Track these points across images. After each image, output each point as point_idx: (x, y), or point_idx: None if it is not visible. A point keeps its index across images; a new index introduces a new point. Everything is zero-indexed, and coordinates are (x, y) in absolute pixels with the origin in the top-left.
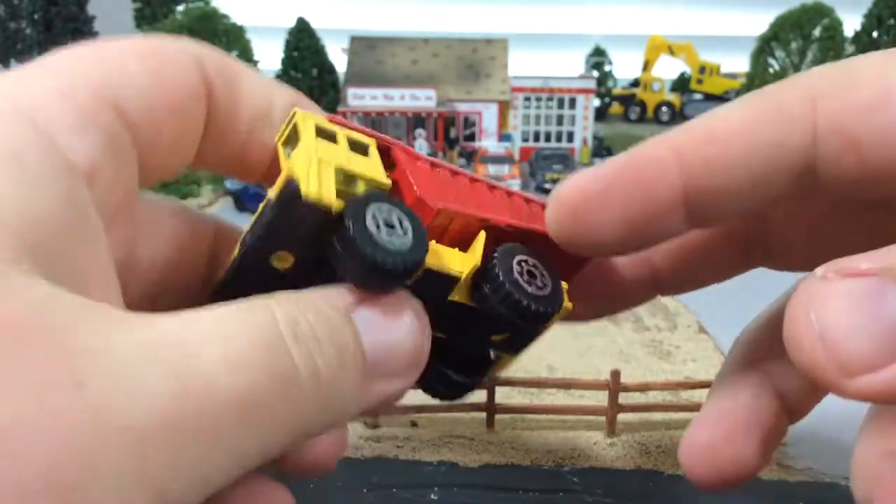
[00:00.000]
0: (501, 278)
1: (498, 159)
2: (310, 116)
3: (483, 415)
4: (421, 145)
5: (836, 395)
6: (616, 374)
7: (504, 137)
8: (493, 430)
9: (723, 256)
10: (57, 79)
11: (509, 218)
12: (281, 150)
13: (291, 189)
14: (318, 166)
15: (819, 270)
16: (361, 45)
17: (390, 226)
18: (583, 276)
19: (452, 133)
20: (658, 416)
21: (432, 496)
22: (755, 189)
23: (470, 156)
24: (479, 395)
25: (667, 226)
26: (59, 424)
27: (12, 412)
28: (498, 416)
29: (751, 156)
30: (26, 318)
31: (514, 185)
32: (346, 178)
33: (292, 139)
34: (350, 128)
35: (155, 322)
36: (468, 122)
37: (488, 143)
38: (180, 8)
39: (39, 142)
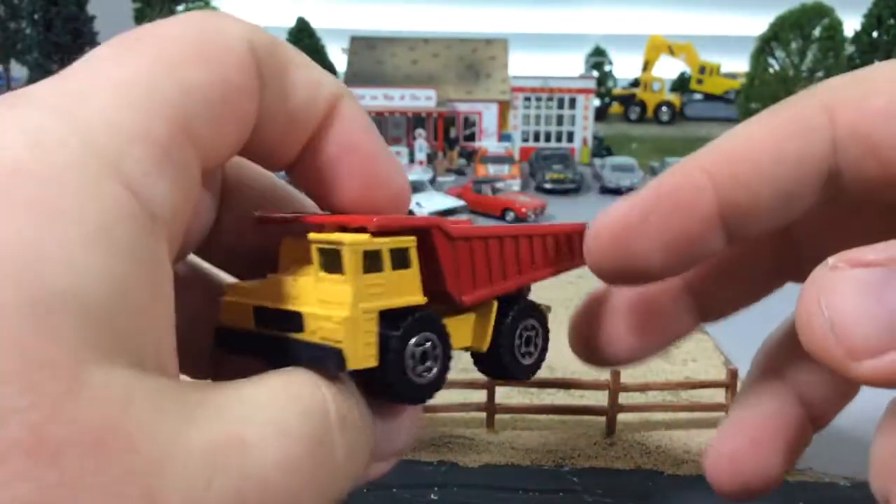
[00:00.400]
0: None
1: (498, 159)
2: (357, 246)
3: (483, 415)
4: (421, 145)
5: (845, 377)
6: (616, 374)
7: (504, 137)
8: (493, 430)
9: (757, 275)
10: (129, 104)
11: (521, 280)
12: (315, 255)
13: (336, 359)
14: (362, 326)
15: (830, 260)
16: (361, 45)
17: (423, 355)
18: (631, 316)
19: (452, 133)
20: (658, 416)
21: (432, 496)
22: (785, 200)
23: (470, 156)
24: (479, 395)
25: (706, 246)
26: None
27: None
28: (498, 416)
29: (778, 169)
30: (104, 427)
31: (514, 184)
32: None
33: (331, 260)
34: (391, 226)
35: (218, 408)
36: (468, 122)
37: (488, 143)
38: (180, 8)
39: (126, 204)
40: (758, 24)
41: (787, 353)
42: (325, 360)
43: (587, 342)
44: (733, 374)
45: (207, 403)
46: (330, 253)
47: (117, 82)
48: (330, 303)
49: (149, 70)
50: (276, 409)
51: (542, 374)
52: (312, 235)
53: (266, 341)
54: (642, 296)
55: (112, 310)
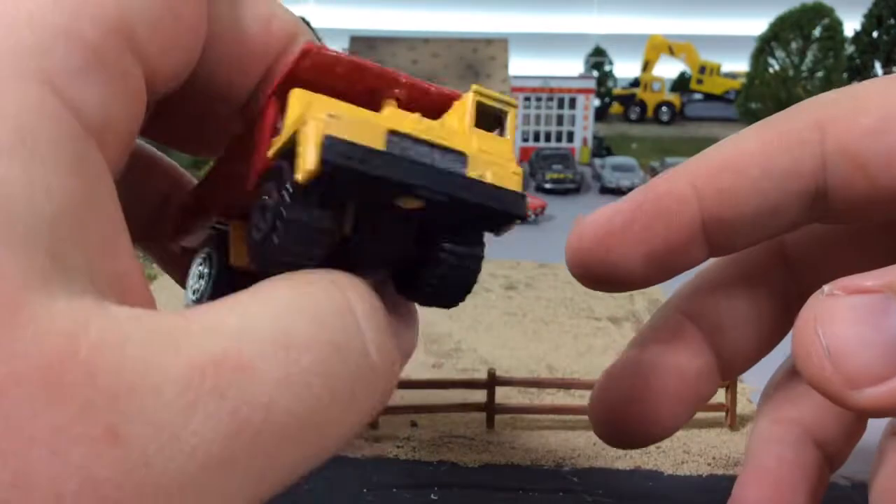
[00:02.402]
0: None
1: None
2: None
3: (483, 415)
4: None
5: (844, 408)
6: None
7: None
8: (493, 430)
9: (769, 321)
10: (62, 9)
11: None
12: (472, 110)
13: (521, 204)
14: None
15: (826, 288)
16: (361, 45)
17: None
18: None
19: None
20: None
21: (432, 496)
22: (771, 215)
23: None
24: (479, 395)
25: (688, 257)
26: (88, 484)
27: (32, 469)
28: (498, 416)
29: (765, 183)
30: (53, 361)
31: None
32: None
33: (492, 119)
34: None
35: (205, 328)
36: None
37: None
38: None
39: (50, 105)
40: (758, 24)
41: (795, 392)
42: (510, 204)
43: (620, 426)
44: None
45: (191, 325)
46: (493, 111)
47: None
48: (492, 154)
49: None
50: (277, 318)
51: (542, 374)
52: (477, 88)
53: (416, 167)
54: (672, 361)
55: (49, 227)
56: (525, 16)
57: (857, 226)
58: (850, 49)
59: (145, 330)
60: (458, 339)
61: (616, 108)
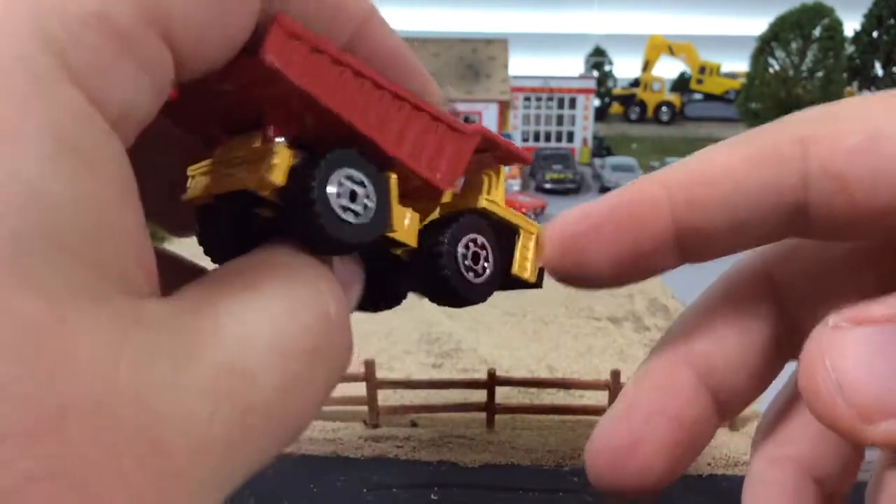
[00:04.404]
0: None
1: None
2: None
3: (483, 415)
4: None
5: (857, 444)
6: (616, 374)
7: (504, 137)
8: (493, 430)
9: (764, 362)
10: None
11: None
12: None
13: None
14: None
15: (830, 320)
16: None
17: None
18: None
19: None
20: None
21: (432, 496)
22: (743, 228)
23: None
24: (479, 395)
25: (658, 262)
26: (136, 495)
27: (101, 495)
28: (498, 416)
29: (737, 197)
30: (103, 383)
31: (514, 184)
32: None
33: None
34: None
35: (215, 331)
36: (468, 122)
37: None
38: None
39: (80, 108)
40: (758, 24)
41: (790, 427)
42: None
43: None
44: None
45: (203, 327)
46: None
47: None
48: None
49: None
50: (276, 329)
51: (542, 374)
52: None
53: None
54: (669, 411)
55: (88, 239)
56: (525, 15)
57: (843, 254)
58: (850, 49)
59: (170, 332)
60: (458, 339)
61: (616, 108)
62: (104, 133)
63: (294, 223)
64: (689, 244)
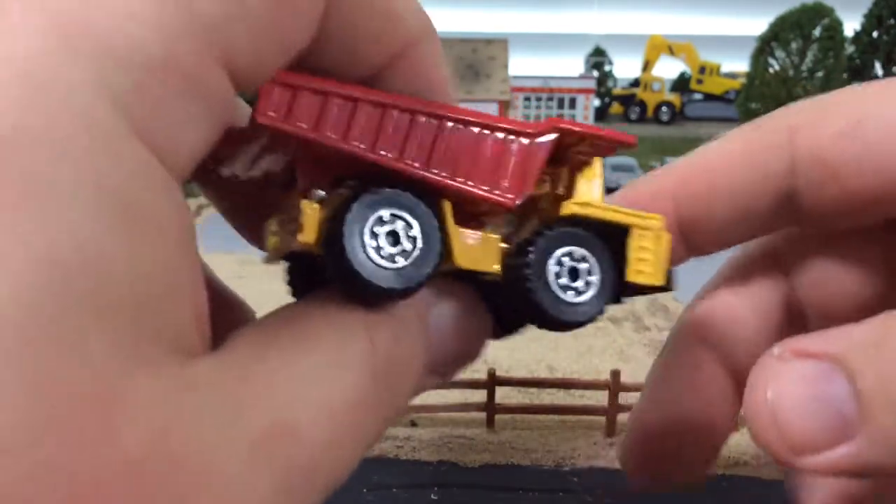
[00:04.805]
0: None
1: None
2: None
3: (483, 415)
4: None
5: (785, 466)
6: (616, 374)
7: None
8: (493, 430)
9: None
10: (162, 37)
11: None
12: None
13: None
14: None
15: (776, 349)
16: None
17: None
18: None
19: None
20: None
21: (432, 496)
22: (742, 218)
23: None
24: (479, 395)
25: None
26: None
27: None
28: (498, 416)
29: (733, 188)
30: (148, 454)
31: None
32: None
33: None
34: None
35: (266, 388)
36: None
37: None
38: None
39: (146, 166)
40: (758, 24)
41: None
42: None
43: (658, 478)
44: None
45: (253, 386)
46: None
47: None
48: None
49: None
50: (327, 385)
51: (542, 374)
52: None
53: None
54: (698, 408)
55: (142, 302)
56: (525, 15)
57: (850, 241)
58: (850, 49)
59: (222, 397)
60: None
61: (616, 108)
62: (164, 185)
63: (333, 276)
64: (693, 237)
